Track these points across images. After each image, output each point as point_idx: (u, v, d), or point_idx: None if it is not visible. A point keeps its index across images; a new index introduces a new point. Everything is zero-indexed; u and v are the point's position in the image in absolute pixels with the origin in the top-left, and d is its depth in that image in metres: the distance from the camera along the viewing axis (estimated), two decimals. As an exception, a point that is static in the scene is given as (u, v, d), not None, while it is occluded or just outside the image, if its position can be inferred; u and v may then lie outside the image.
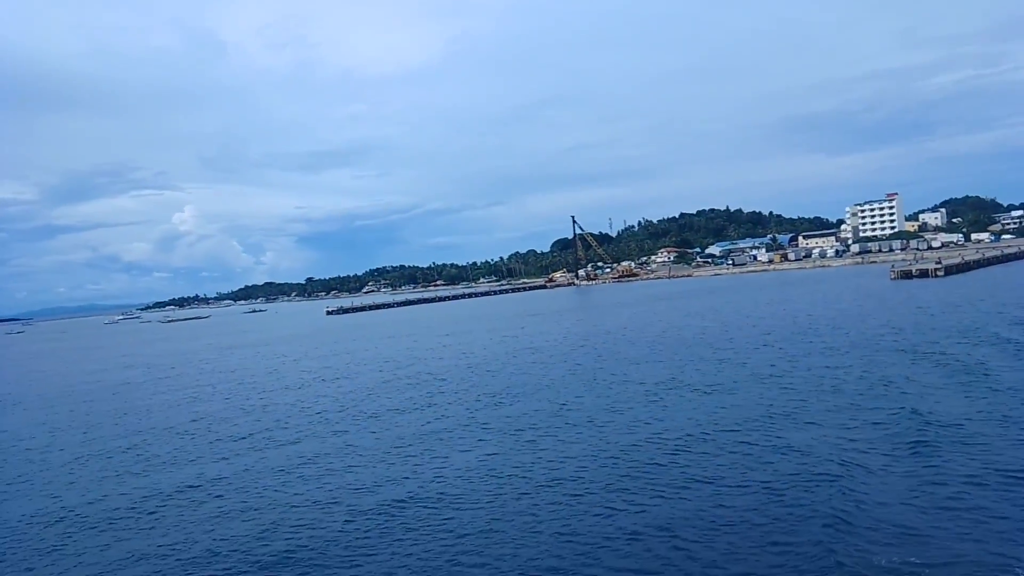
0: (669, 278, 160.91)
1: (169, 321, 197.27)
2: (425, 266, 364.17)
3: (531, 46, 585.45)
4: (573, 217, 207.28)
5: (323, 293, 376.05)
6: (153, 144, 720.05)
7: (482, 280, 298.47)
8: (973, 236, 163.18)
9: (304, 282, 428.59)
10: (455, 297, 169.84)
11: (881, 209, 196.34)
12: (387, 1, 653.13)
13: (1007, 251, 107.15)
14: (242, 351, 68.25)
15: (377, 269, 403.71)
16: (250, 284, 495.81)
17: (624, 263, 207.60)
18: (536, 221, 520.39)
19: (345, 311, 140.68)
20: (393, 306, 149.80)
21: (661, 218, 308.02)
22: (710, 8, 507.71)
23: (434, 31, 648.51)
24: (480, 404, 27.75)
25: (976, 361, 27.44)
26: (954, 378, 24.70)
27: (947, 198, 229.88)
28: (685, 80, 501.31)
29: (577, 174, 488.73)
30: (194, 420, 30.00)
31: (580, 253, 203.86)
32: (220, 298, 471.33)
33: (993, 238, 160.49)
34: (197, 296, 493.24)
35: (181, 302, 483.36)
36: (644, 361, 35.59)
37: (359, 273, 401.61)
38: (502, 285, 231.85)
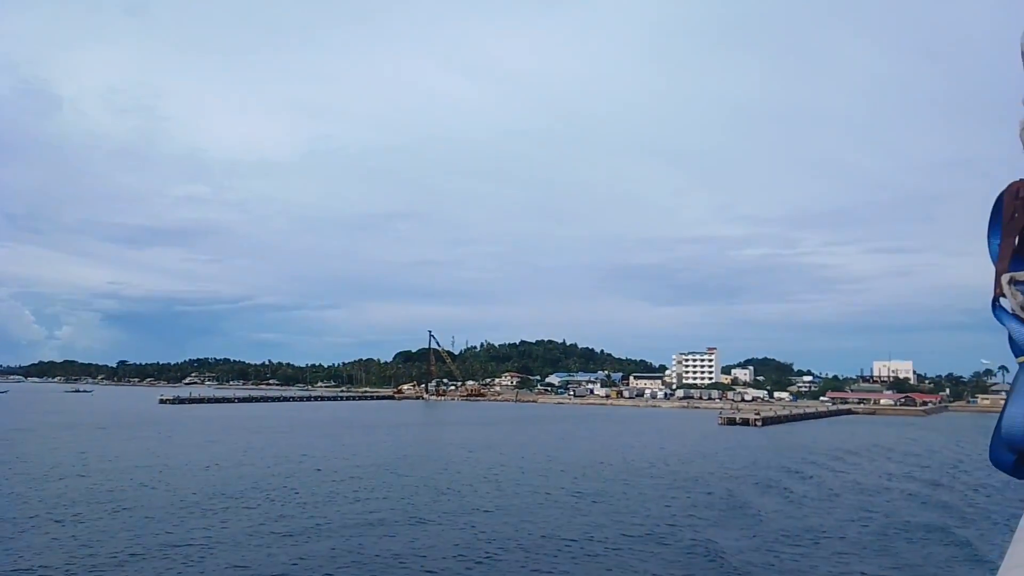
0: (516, 401, 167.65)
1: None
2: (258, 363, 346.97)
3: (389, 160, 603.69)
4: (430, 332, 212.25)
5: (137, 379, 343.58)
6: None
7: (320, 384, 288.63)
8: (776, 394, 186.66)
9: (115, 365, 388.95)
10: (299, 398, 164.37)
11: (702, 360, 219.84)
12: (250, 89, 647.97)
13: (807, 410, 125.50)
14: (97, 432, 63.65)
15: (198, 360, 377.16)
16: (44, 360, 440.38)
17: (470, 383, 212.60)
18: (372, 330, 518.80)
19: (181, 401, 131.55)
20: (234, 401, 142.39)
21: (502, 343, 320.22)
22: (554, 153, 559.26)
23: (293, 127, 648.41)
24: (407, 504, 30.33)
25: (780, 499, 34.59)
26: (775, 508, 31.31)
27: (750, 357, 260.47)
28: (529, 216, 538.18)
29: (420, 289, 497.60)
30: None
31: (433, 368, 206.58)
32: (6, 372, 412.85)
33: (792, 397, 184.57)
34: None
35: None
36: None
37: (178, 361, 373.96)
38: (342, 391, 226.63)
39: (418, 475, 39.43)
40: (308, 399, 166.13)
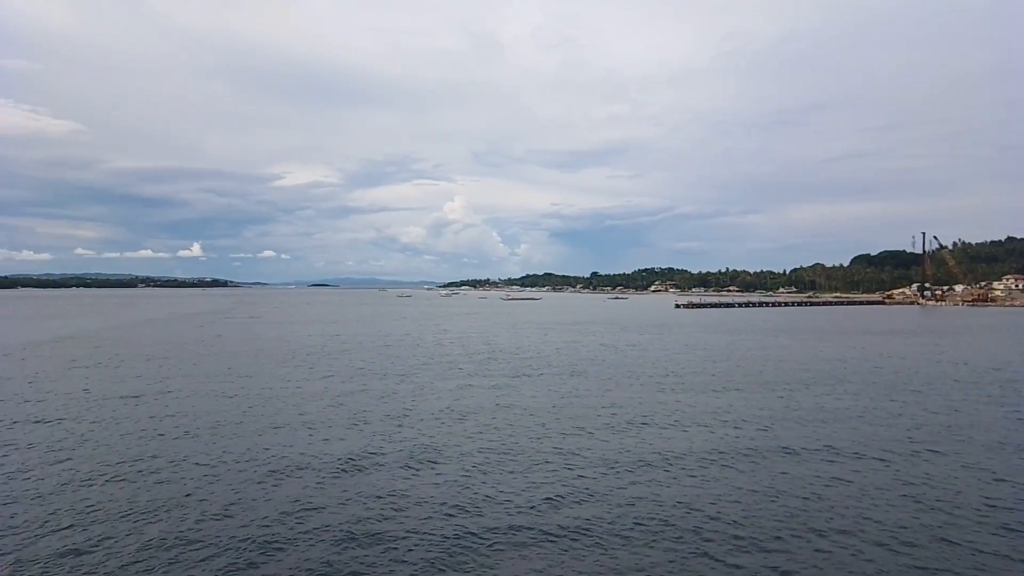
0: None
1: (510, 299, 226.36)
2: (716, 271, 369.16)
3: (805, 46, 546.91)
4: (924, 233, 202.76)
5: (608, 288, 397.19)
6: (433, 138, 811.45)
7: (781, 290, 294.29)
8: None
9: (589, 275, 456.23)
10: (787, 304, 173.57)
11: None
12: (657, 0, 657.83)
13: None
14: (718, 335, 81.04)
15: (645, 270, 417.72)
16: (531, 273, 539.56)
17: (958, 287, 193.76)
18: (794, 233, 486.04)
19: (693, 306, 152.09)
20: (734, 306, 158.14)
21: (979, 241, 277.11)
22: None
23: (701, 30, 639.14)
24: None
25: None
26: None
27: None
28: (986, 84, 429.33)
29: (844, 185, 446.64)
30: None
31: (928, 271, 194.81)
32: (509, 283, 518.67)
33: None
34: (488, 279, 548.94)
35: (474, 284, 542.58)
36: None
37: (628, 271, 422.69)
38: (809, 297, 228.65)
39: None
40: (798, 304, 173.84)
